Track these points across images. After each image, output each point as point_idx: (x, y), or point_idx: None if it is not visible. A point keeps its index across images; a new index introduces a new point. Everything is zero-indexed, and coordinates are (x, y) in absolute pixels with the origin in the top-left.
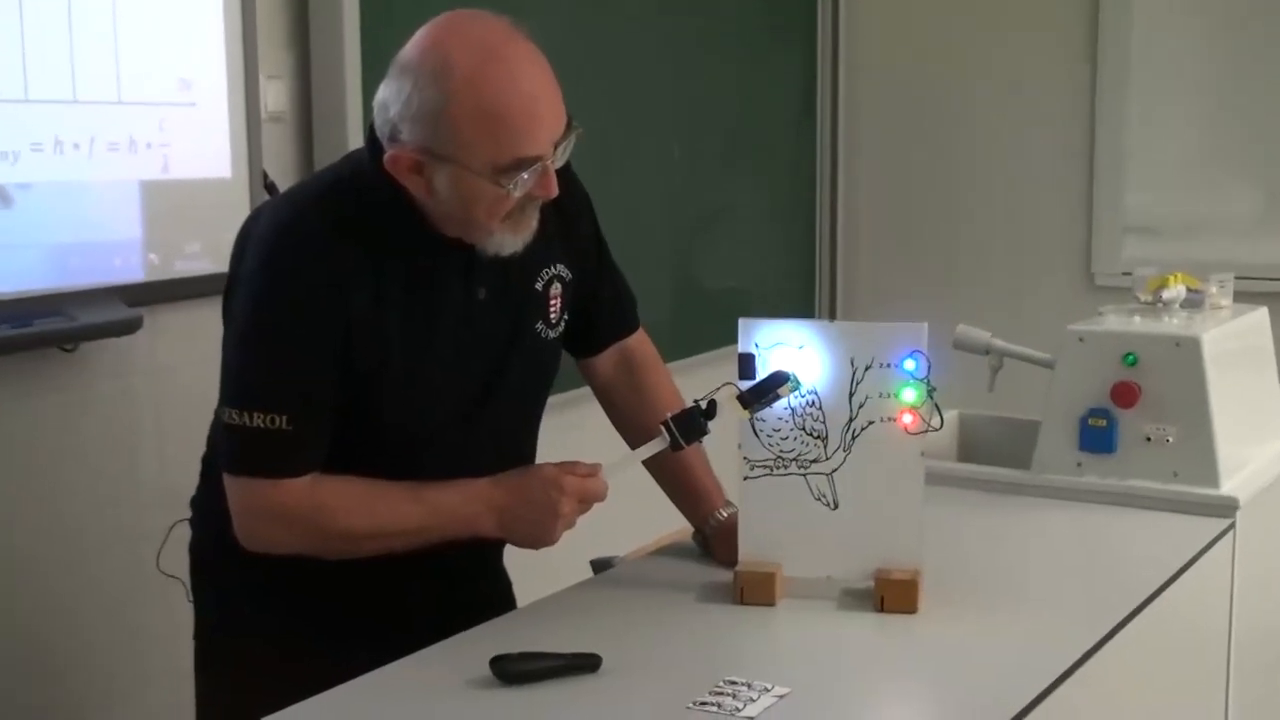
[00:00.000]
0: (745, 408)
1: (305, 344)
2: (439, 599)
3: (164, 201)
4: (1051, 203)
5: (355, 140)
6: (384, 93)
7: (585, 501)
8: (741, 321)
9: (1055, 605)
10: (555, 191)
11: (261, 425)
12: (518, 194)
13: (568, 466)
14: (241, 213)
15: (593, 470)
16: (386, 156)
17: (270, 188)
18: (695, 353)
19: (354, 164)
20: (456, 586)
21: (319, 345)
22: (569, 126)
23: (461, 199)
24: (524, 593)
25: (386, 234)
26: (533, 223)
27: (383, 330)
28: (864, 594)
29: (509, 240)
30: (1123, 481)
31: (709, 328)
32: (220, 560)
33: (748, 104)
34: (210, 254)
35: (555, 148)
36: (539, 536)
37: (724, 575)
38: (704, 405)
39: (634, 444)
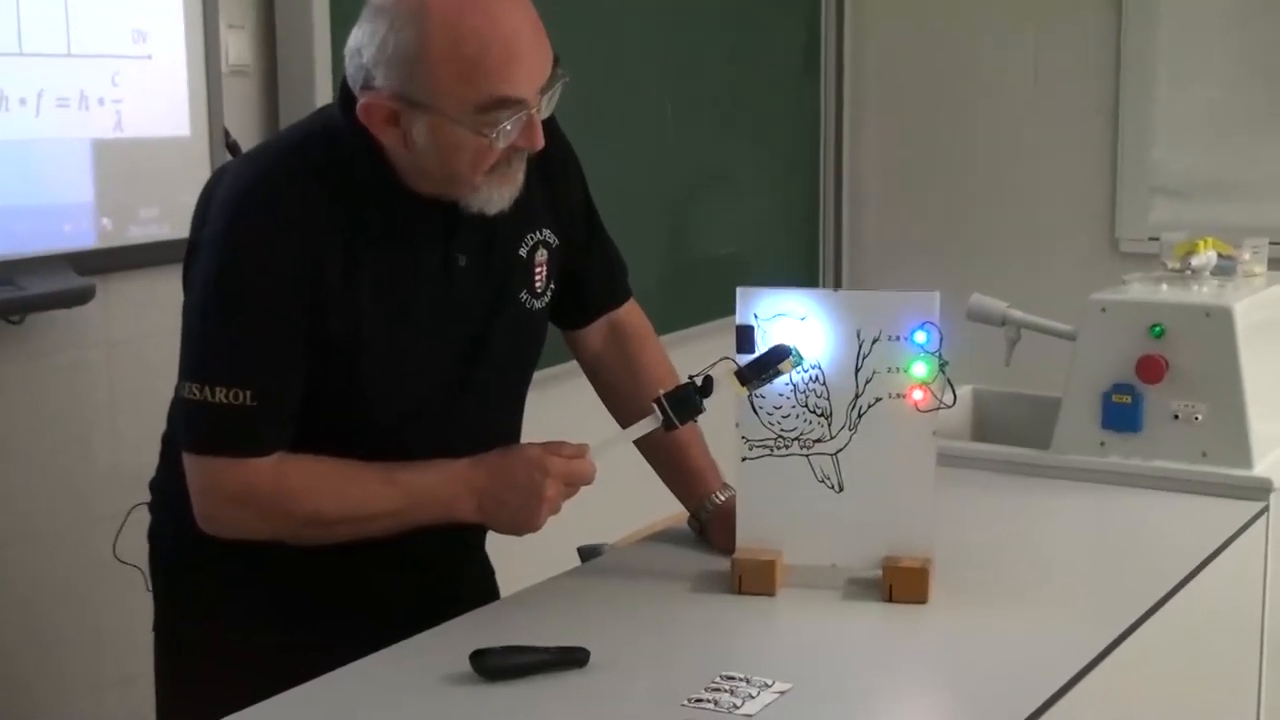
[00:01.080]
0: (744, 384)
1: (271, 314)
2: (416, 589)
3: (118, 162)
4: (1073, 163)
5: (324, 95)
6: (356, 37)
7: (572, 484)
8: (740, 291)
9: (1076, 595)
10: (541, 142)
11: (224, 401)
12: (501, 144)
13: (553, 447)
14: (202, 174)
15: (580, 451)
16: (360, 105)
17: (233, 147)
18: (690, 325)
19: (324, 119)
20: (435, 575)
21: (286, 315)
22: (555, 74)
23: (441, 151)
24: (507, 582)
25: (360, 194)
26: (519, 177)
27: (355, 300)
28: (870, 583)
29: (495, 195)
30: (1148, 462)
31: (705, 298)
32: (182, 547)
33: (746, 58)
34: (168, 218)
35: (540, 95)
36: (522, 522)
37: (721, 563)
38: (699, 381)
39: (624, 422)
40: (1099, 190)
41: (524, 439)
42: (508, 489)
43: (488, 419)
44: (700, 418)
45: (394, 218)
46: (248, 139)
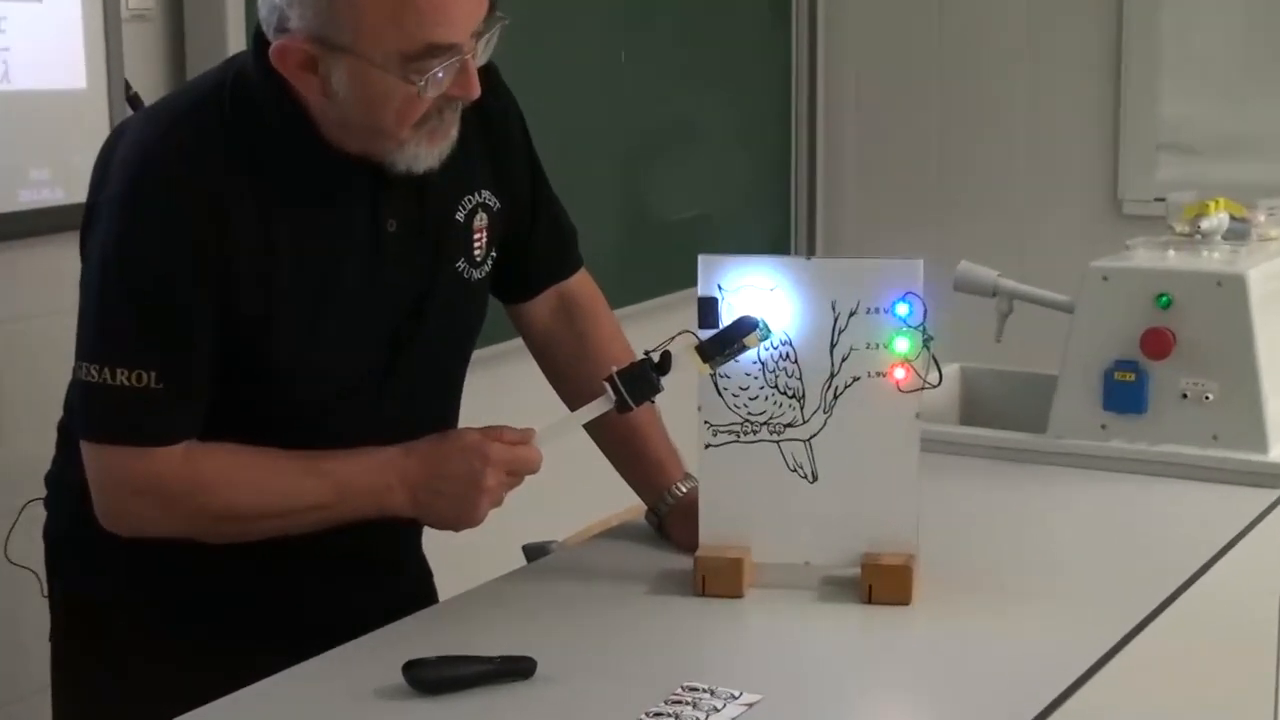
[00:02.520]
0: (706, 361)
1: (177, 287)
2: (343, 592)
3: (4, 117)
4: (1070, 117)
5: (236, 43)
6: None
7: (515, 474)
8: (701, 259)
9: (1076, 593)
10: (477, 91)
11: (126, 383)
12: (431, 94)
13: (494, 432)
14: (100, 131)
15: (524, 436)
16: (273, 49)
17: (134, 100)
18: (648, 297)
19: (236, 69)
20: (364, 577)
21: (194, 288)
22: (492, 15)
23: (364, 100)
24: (445, 585)
25: (276, 153)
26: (451, 131)
27: (271, 271)
28: (848, 583)
29: (423, 153)
30: (1154, 446)
31: (663, 267)
32: (80, 547)
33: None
34: (62, 181)
35: (476, 39)
36: (460, 516)
37: (682, 562)
38: (656, 358)
39: (574, 404)
40: (1099, 147)
41: (462, 424)
42: (444, 479)
43: (422, 402)
44: (659, 399)
45: (315, 179)
46: (151, 92)
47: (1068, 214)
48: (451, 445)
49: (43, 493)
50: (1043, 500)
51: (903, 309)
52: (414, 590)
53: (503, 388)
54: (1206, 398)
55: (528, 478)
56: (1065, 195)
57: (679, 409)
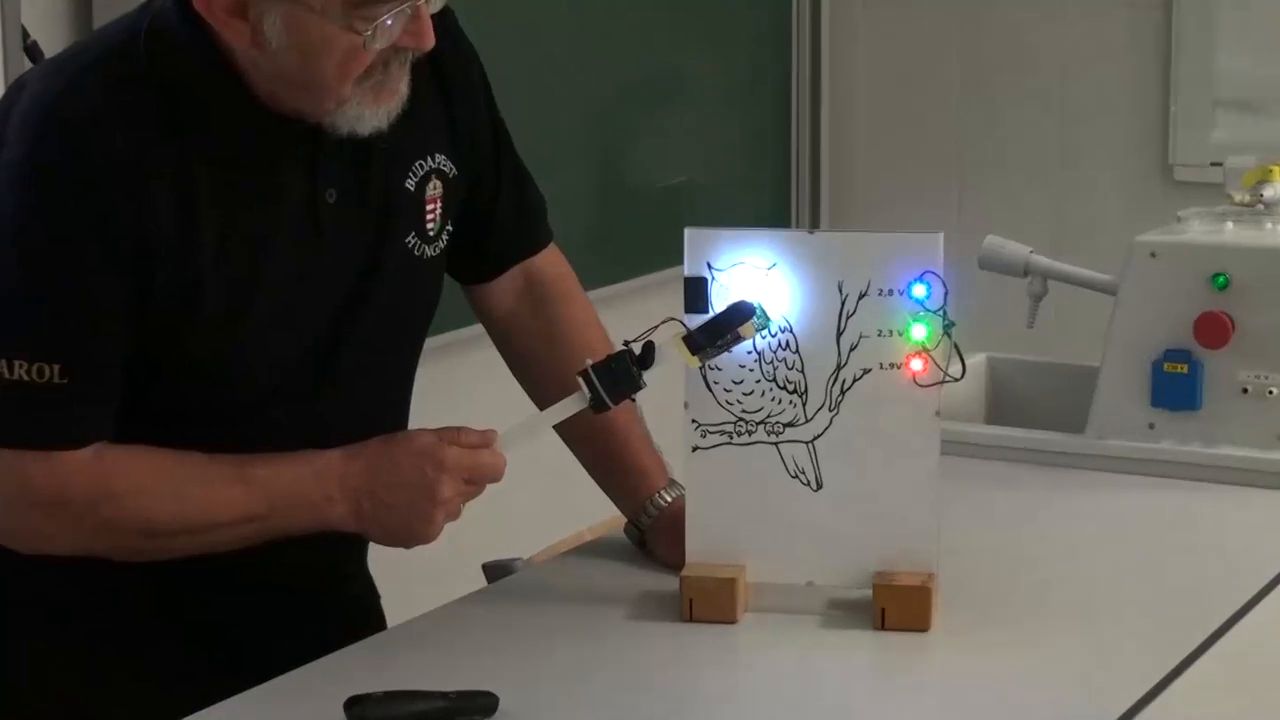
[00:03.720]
0: (694, 352)
1: (85, 269)
2: (278, 618)
3: None
4: (1116, 70)
5: None
6: None
7: (474, 482)
8: (688, 233)
9: (1119, 619)
10: (431, 41)
11: (25, 378)
12: (379, 45)
13: (450, 434)
14: None
15: (485, 439)
16: None
17: (32, 50)
18: (626, 278)
19: (152, 15)
20: (300, 600)
21: (104, 270)
22: None
23: (300, 51)
24: (394, 608)
25: (199, 112)
26: (400, 87)
27: (194, 249)
28: (858, 606)
29: (368, 112)
30: (1210, 449)
31: (645, 243)
32: None
33: None
34: None
35: None
36: (411, 530)
37: (667, 582)
38: (637, 349)
39: (543, 402)
40: (1147, 103)
41: (413, 424)
42: (392, 488)
43: (366, 399)
44: (640, 397)
45: (243, 142)
46: (53, 42)
47: (1110, 181)
48: (401, 449)
49: None
50: (1081, 511)
51: (920, 290)
52: (358, 615)
53: (460, 382)
54: (1270, 392)
55: (489, 487)
56: (1108, 160)
57: (663, 407)
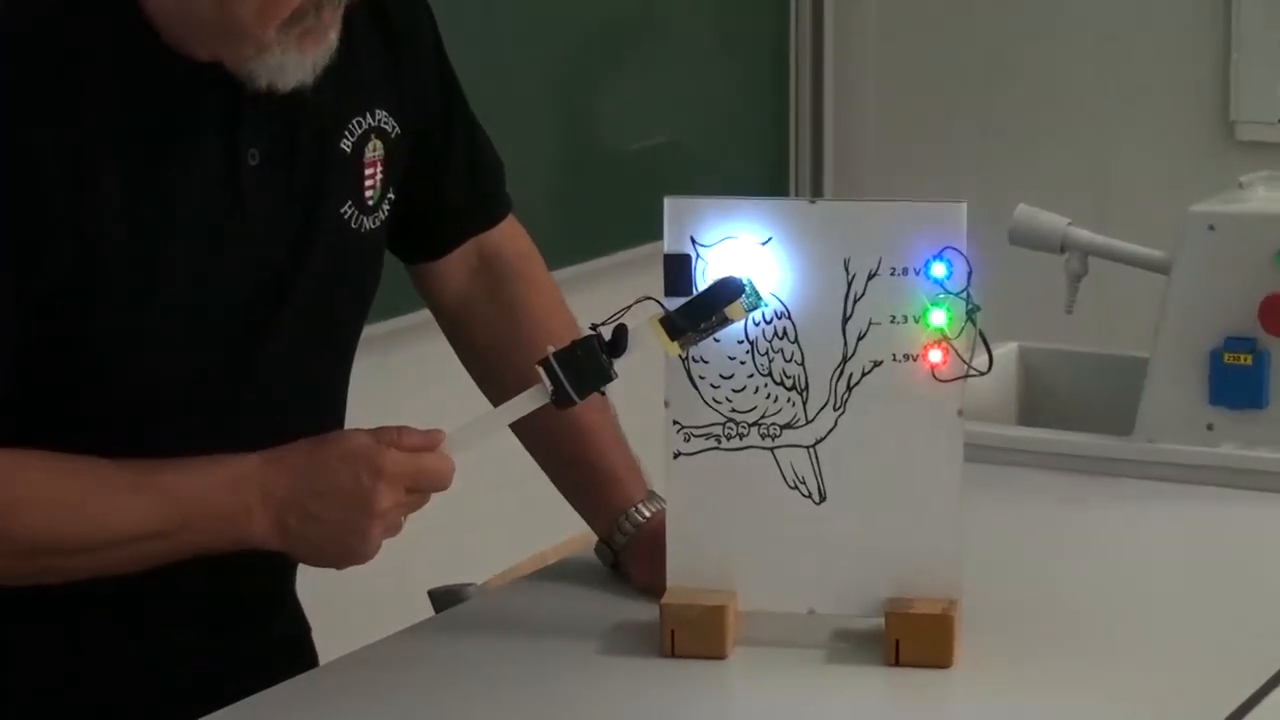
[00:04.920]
0: (674, 338)
1: None
2: (192, 651)
3: None
4: (1167, 11)
5: None
6: None
7: (418, 490)
8: (668, 202)
9: (1172, 653)
10: None
11: None
12: None
13: (389, 435)
14: None
15: (430, 441)
16: None
17: None
18: (597, 254)
19: None
20: (215, 631)
21: None
22: None
23: None
24: (326, 641)
25: (98, 61)
26: (330, 34)
27: (91, 221)
28: (868, 638)
29: (292, 61)
30: (1278, 453)
31: (618, 213)
32: None
33: None
34: None
35: None
36: (344, 547)
37: (645, 611)
38: (608, 335)
39: (499, 399)
40: (1204, 51)
41: (348, 425)
42: (322, 498)
43: (294, 396)
44: (613, 392)
45: (150, 95)
46: None
47: (1161, 141)
48: (332, 452)
49: None
50: (1128, 526)
51: (940, 269)
52: (284, 650)
53: (403, 377)
54: None
55: (435, 497)
56: (1159, 117)
57: (640, 404)
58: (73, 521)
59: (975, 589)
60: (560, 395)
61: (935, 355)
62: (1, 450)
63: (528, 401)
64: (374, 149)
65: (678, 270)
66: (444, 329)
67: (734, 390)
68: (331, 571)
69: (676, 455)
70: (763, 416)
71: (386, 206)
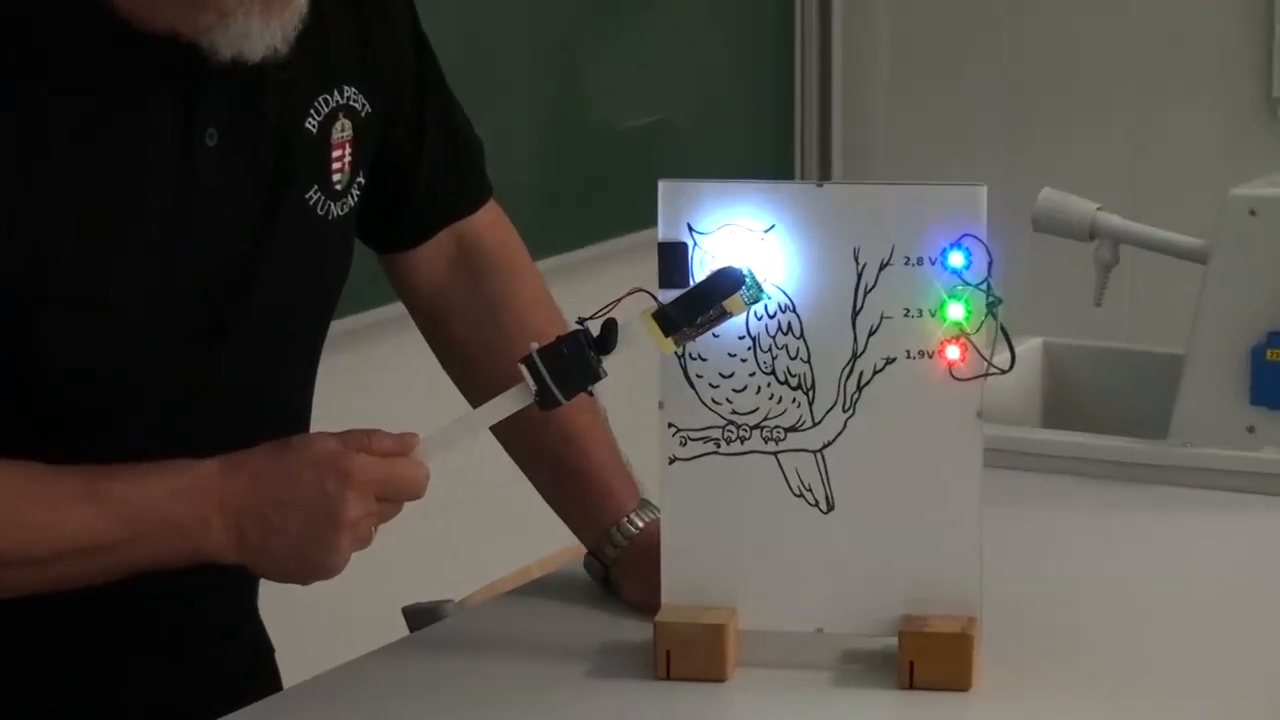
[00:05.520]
0: (668, 333)
1: None
2: (142, 674)
3: None
4: None
5: None
6: None
7: (389, 499)
8: (663, 186)
9: (1209, 675)
10: None
11: None
12: None
13: (359, 439)
14: None
15: (402, 445)
16: None
17: None
18: (586, 243)
19: None
20: (171, 653)
21: None
22: None
23: None
24: (292, 663)
25: (45, 29)
26: (299, 1)
27: (35, 209)
28: (880, 659)
29: (256, 29)
30: None
31: (607, 199)
32: None
33: None
34: None
35: None
36: (310, 561)
37: (638, 630)
38: (597, 330)
39: (479, 399)
40: (1247, 28)
41: (314, 428)
42: (285, 508)
43: (255, 396)
44: (601, 390)
45: (101, 67)
46: None
47: (1199, 120)
48: (296, 458)
49: None
50: (1162, 537)
51: (958, 258)
52: (245, 671)
53: (374, 376)
54: None
55: (409, 506)
56: (1195, 93)
57: (632, 405)
58: (11, 533)
59: (996, 606)
60: (544, 396)
61: (953, 352)
62: None
63: (509, 402)
64: (342, 129)
65: (673, 260)
66: (419, 324)
67: (734, 390)
68: (296, 588)
69: (672, 460)
70: (765, 418)
71: (356, 191)
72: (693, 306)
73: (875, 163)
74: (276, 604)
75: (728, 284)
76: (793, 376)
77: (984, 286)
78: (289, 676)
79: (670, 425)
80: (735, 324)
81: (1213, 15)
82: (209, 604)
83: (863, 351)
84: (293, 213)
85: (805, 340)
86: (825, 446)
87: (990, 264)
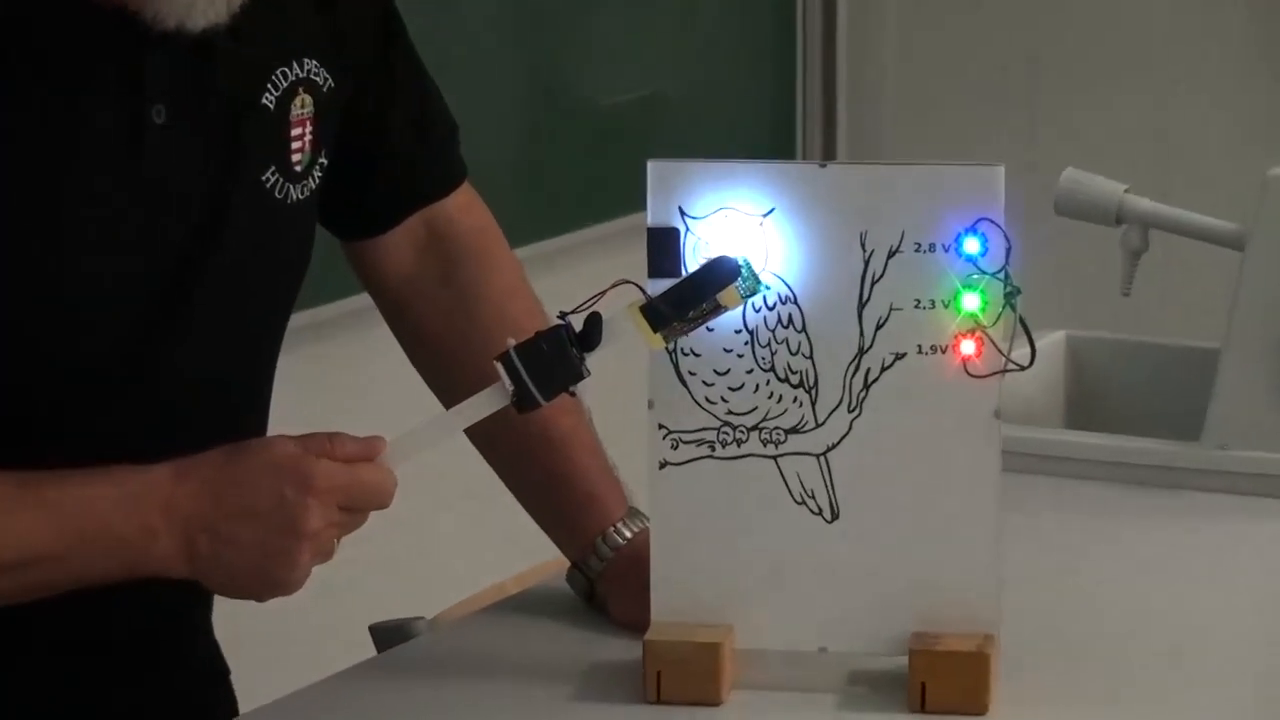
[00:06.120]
0: (657, 329)
1: None
2: (85, 698)
3: None
4: None
5: None
6: None
7: (353, 508)
8: (652, 167)
9: (1247, 696)
10: None
11: None
12: None
13: (320, 443)
14: None
15: (367, 449)
16: None
17: None
18: (568, 229)
19: None
20: (118, 675)
21: None
22: None
23: None
24: (249, 685)
25: None
26: None
27: None
28: (890, 681)
29: None
30: None
31: (593, 181)
32: None
33: None
34: None
35: None
36: (267, 575)
37: (626, 649)
38: (579, 324)
39: (453, 398)
40: None
41: (273, 430)
42: (240, 518)
43: (208, 395)
44: (585, 390)
45: (41, 39)
46: None
47: (1235, 93)
48: (253, 463)
49: None
50: (1194, 546)
51: (973, 245)
52: (197, 696)
53: (337, 372)
54: None
55: (375, 516)
56: (1230, 63)
57: (619, 405)
58: None
59: (1015, 622)
60: (523, 397)
61: (968, 346)
62: None
63: (485, 403)
64: (302, 105)
65: (662, 247)
66: (386, 317)
67: (730, 388)
68: (253, 604)
69: (663, 465)
70: (764, 419)
71: (317, 173)
72: (684, 299)
73: (883, 141)
74: (231, 622)
75: (722, 275)
76: (794, 374)
77: (1001, 275)
78: (245, 701)
79: (660, 427)
80: (731, 317)
81: None
82: (157, 622)
83: (870, 346)
84: (249, 196)
85: (807, 334)
86: (829, 449)
87: (1008, 251)
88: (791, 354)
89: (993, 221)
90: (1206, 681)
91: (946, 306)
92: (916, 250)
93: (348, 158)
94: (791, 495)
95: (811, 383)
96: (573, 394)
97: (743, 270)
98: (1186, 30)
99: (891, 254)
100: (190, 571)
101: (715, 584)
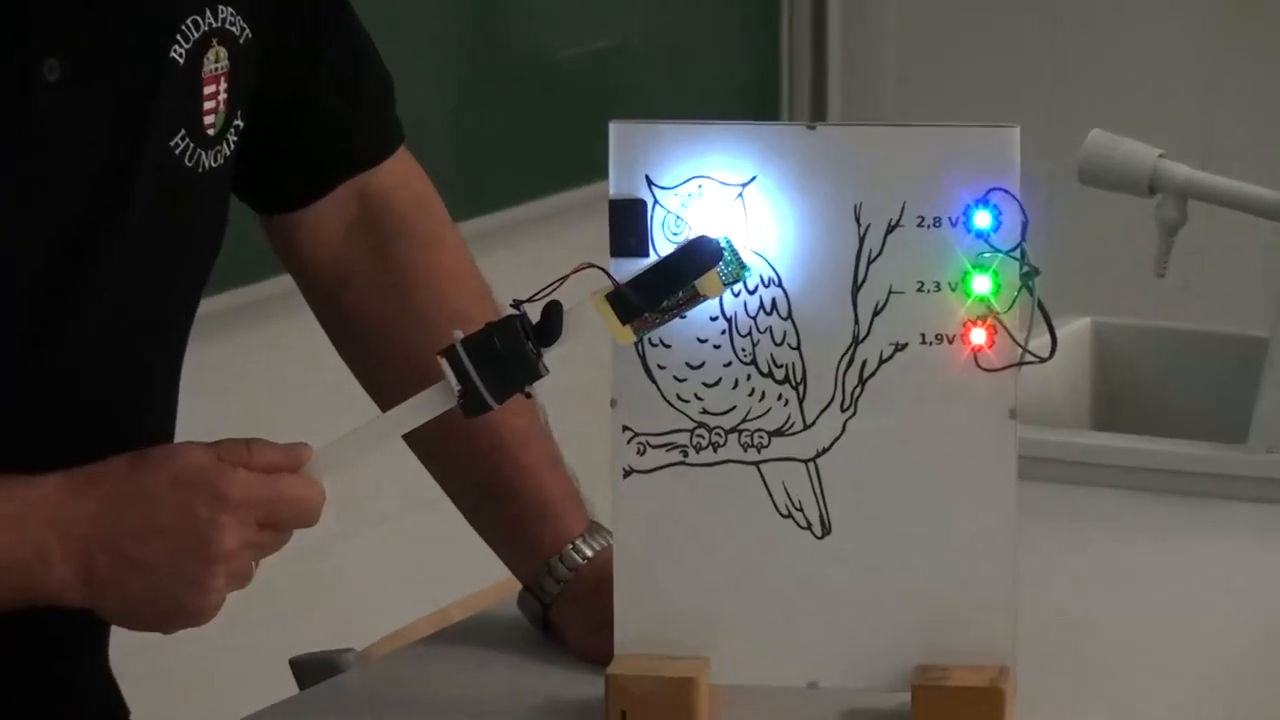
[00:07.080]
0: (625, 320)
1: None
2: None
3: None
4: None
5: None
6: None
7: (274, 525)
8: (614, 128)
9: None
10: None
11: None
12: None
13: (236, 450)
14: None
15: (291, 458)
16: None
17: None
18: (520, 200)
19: None
20: (9, 714)
21: None
22: None
23: None
24: None
25: None
26: None
27: None
28: (890, 717)
29: None
30: None
31: (549, 146)
32: None
33: None
34: None
35: None
36: (173, 603)
37: (586, 685)
38: (535, 314)
39: (390, 399)
40: None
41: (180, 435)
42: (144, 537)
43: (106, 393)
44: (541, 388)
45: None
46: None
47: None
48: (158, 474)
49: None
50: (1239, 563)
51: (984, 219)
52: None
53: (255, 367)
54: None
55: (299, 534)
56: (1275, 17)
57: (579, 405)
58: None
59: (1032, 652)
60: (471, 398)
61: (979, 336)
62: None
63: (427, 406)
64: (216, 59)
65: (626, 221)
66: (311, 303)
67: (705, 384)
68: (157, 636)
69: (628, 473)
70: (745, 420)
71: (233, 137)
72: (658, 286)
73: (881, 103)
74: (132, 656)
75: (702, 258)
76: (778, 367)
77: (1017, 254)
78: None
79: (625, 429)
80: (709, 306)
81: None
82: (45, 656)
83: (865, 335)
84: (155, 164)
85: (794, 322)
86: (819, 455)
87: (1025, 225)
88: (776, 345)
89: (1007, 191)
90: (1250, 715)
91: (954, 290)
92: (919, 225)
93: (267, 119)
94: (776, 507)
95: (799, 378)
96: (528, 394)
97: (725, 253)
98: None
99: (890, 229)
100: (86, 600)
101: (688, 610)
